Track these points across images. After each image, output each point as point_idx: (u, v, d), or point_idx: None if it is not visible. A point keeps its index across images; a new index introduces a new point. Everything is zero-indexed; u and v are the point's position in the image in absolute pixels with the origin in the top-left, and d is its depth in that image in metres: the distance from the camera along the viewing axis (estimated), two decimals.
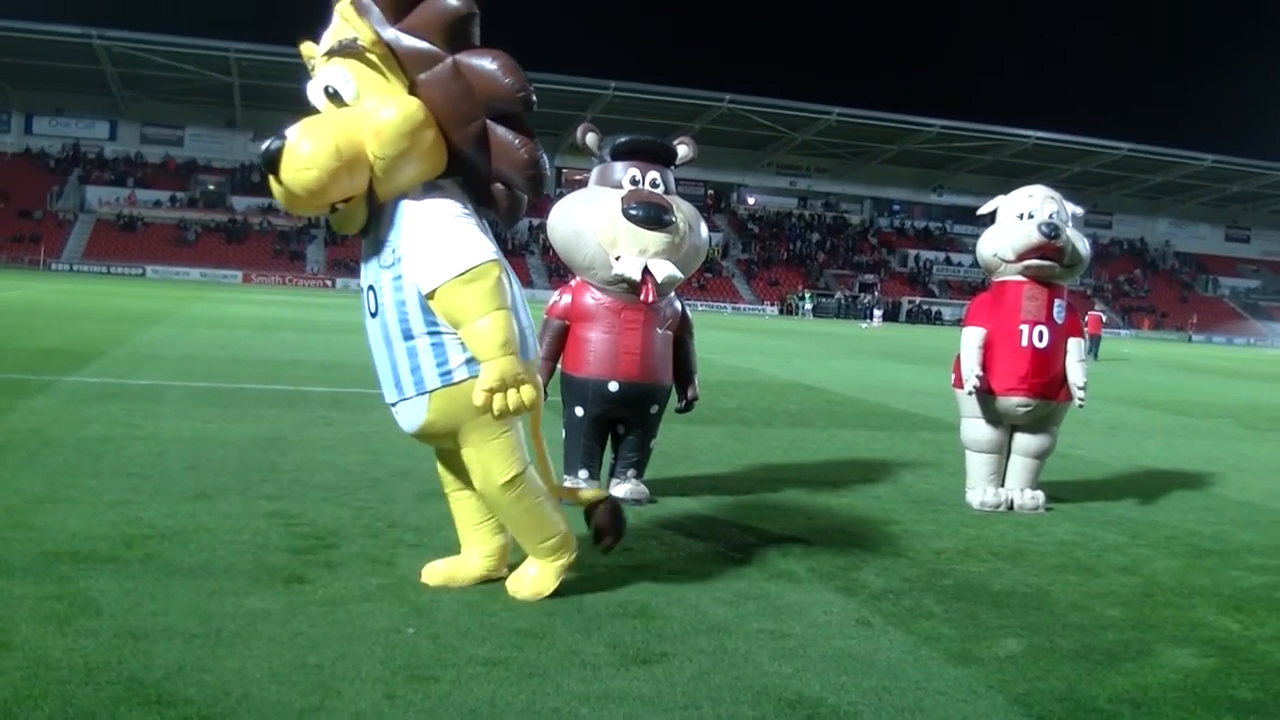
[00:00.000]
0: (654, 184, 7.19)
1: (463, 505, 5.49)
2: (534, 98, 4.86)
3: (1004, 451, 8.17)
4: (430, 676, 4.05)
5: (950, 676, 4.46)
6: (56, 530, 5.74)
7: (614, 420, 7.42)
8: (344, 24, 4.85)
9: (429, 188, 4.98)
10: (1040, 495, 8.18)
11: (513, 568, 5.37)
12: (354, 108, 4.83)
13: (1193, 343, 69.99)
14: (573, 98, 73.74)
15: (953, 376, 8.21)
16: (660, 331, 7.30)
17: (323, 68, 4.91)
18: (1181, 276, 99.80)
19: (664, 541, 6.42)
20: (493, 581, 5.33)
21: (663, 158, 7.41)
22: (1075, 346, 7.97)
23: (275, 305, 37.21)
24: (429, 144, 4.86)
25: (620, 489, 7.43)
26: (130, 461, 7.77)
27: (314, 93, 4.99)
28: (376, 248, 5.04)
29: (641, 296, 7.03)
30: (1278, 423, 17.36)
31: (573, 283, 7.38)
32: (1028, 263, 7.80)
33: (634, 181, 7.16)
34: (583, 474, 7.35)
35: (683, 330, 7.56)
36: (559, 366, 7.39)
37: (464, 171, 5.06)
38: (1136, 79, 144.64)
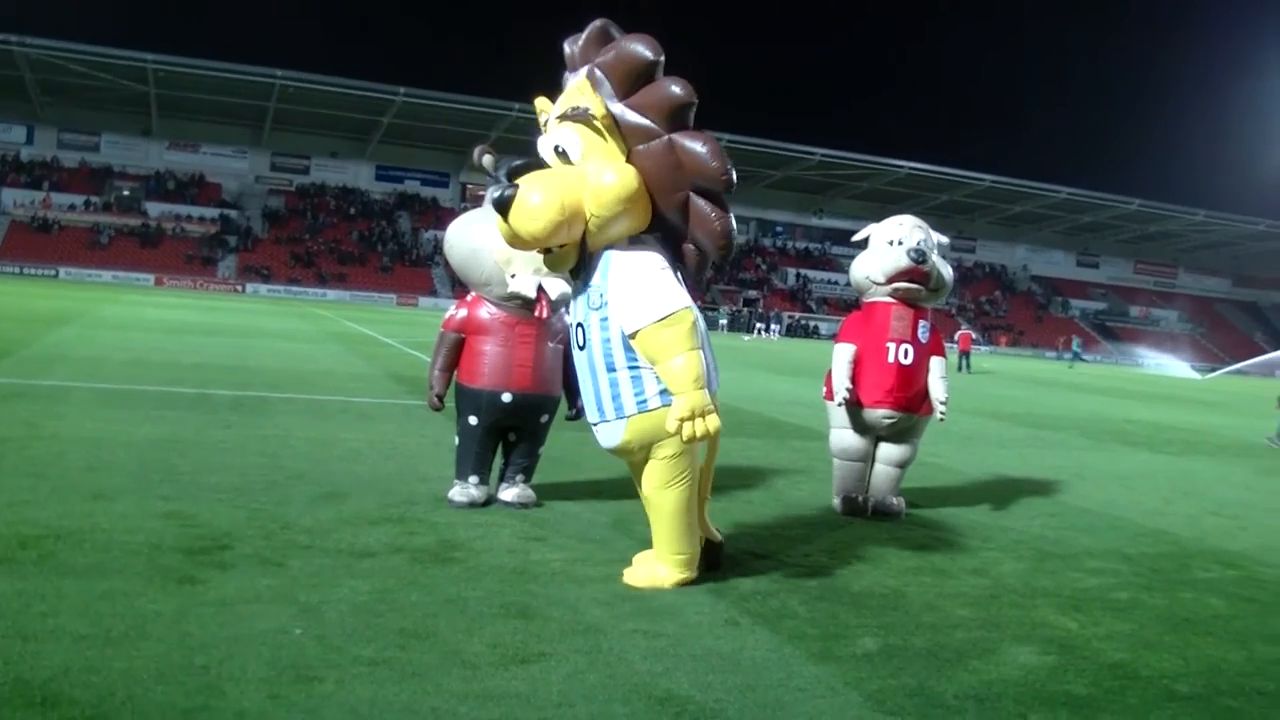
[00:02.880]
0: None
1: None
2: (735, 180, 5.38)
3: (869, 460, 8.25)
4: (315, 677, 3.95)
5: (810, 674, 4.47)
6: None
7: (506, 428, 7.35)
8: (577, 93, 5.40)
9: (633, 242, 5.50)
10: (901, 501, 8.28)
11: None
12: (578, 168, 5.36)
13: (1069, 359, 71.56)
14: (477, 117, 73.31)
15: (824, 389, 8.27)
16: (552, 345, 7.25)
17: (556, 128, 5.47)
18: (1037, 298, 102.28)
19: (548, 544, 6.37)
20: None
21: None
22: (937, 364, 8.09)
23: (184, 309, 36.25)
24: (640, 207, 5.37)
25: (508, 493, 7.37)
26: (30, 462, 7.49)
27: (544, 148, 5.58)
28: (585, 290, 5.56)
29: (536, 313, 7.00)
30: (1117, 434, 17.82)
31: (469, 297, 7.29)
32: (896, 285, 7.90)
33: None
34: (473, 479, 7.26)
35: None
36: (454, 377, 7.30)
37: (664, 231, 5.55)
38: (1000, 117, 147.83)
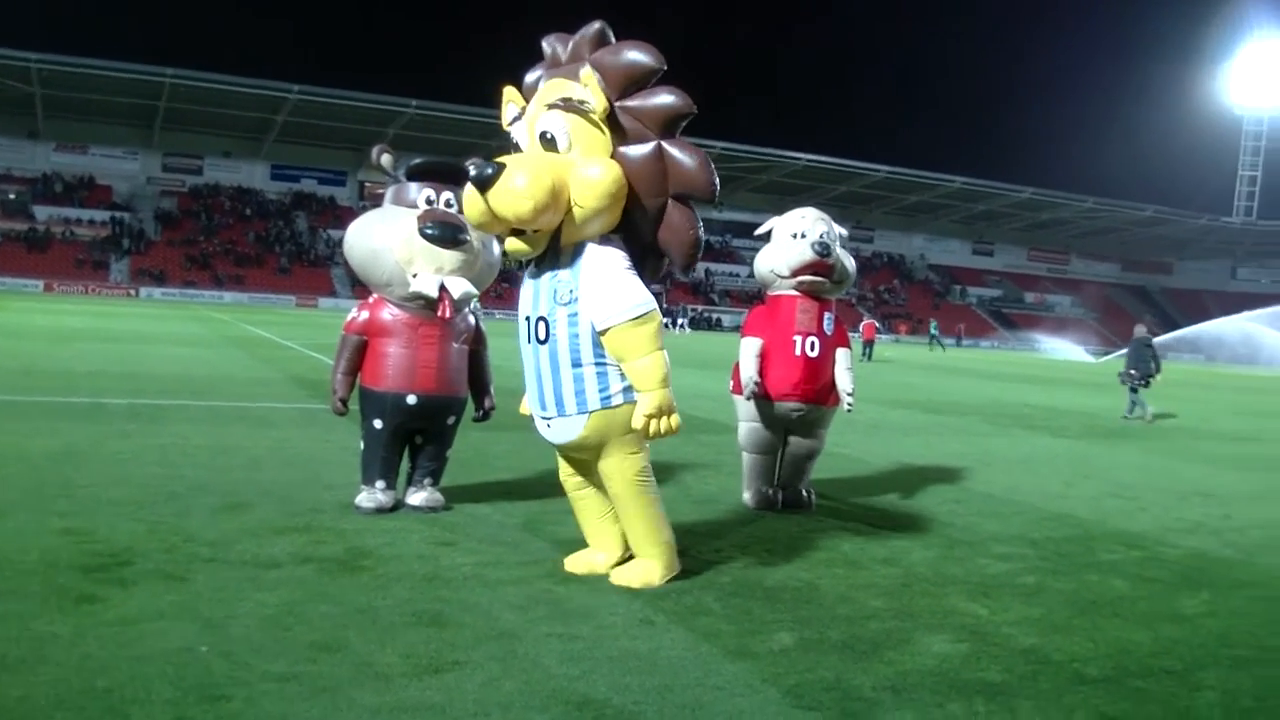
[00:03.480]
0: (448, 204, 7.04)
1: (585, 504, 6.13)
2: (718, 192, 5.63)
3: (778, 453, 8.28)
4: (222, 695, 3.82)
5: (728, 672, 4.45)
6: None
7: (412, 431, 7.23)
8: (572, 83, 5.41)
9: (603, 240, 5.55)
10: (811, 493, 8.33)
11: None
12: (563, 156, 5.40)
13: (961, 346, 72.97)
14: (374, 114, 72.41)
15: (731, 383, 8.27)
16: (456, 345, 7.16)
17: (543, 114, 5.45)
18: (935, 286, 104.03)
19: (458, 549, 6.27)
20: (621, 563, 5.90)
21: (456, 178, 7.25)
22: (843, 356, 8.13)
23: (76, 315, 35.09)
24: (619, 205, 5.45)
25: (416, 497, 7.25)
26: None
27: (520, 133, 5.61)
28: (553, 285, 5.57)
29: (439, 313, 6.89)
30: (1018, 419, 18.17)
31: (371, 299, 7.15)
32: (801, 278, 7.93)
33: (428, 201, 7.00)
34: (380, 484, 7.13)
35: (477, 343, 7.43)
36: (358, 380, 7.16)
37: (631, 233, 5.62)
38: (892, 109, 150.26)
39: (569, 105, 5.38)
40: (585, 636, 4.78)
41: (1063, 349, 66.47)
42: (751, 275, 7.65)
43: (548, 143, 5.46)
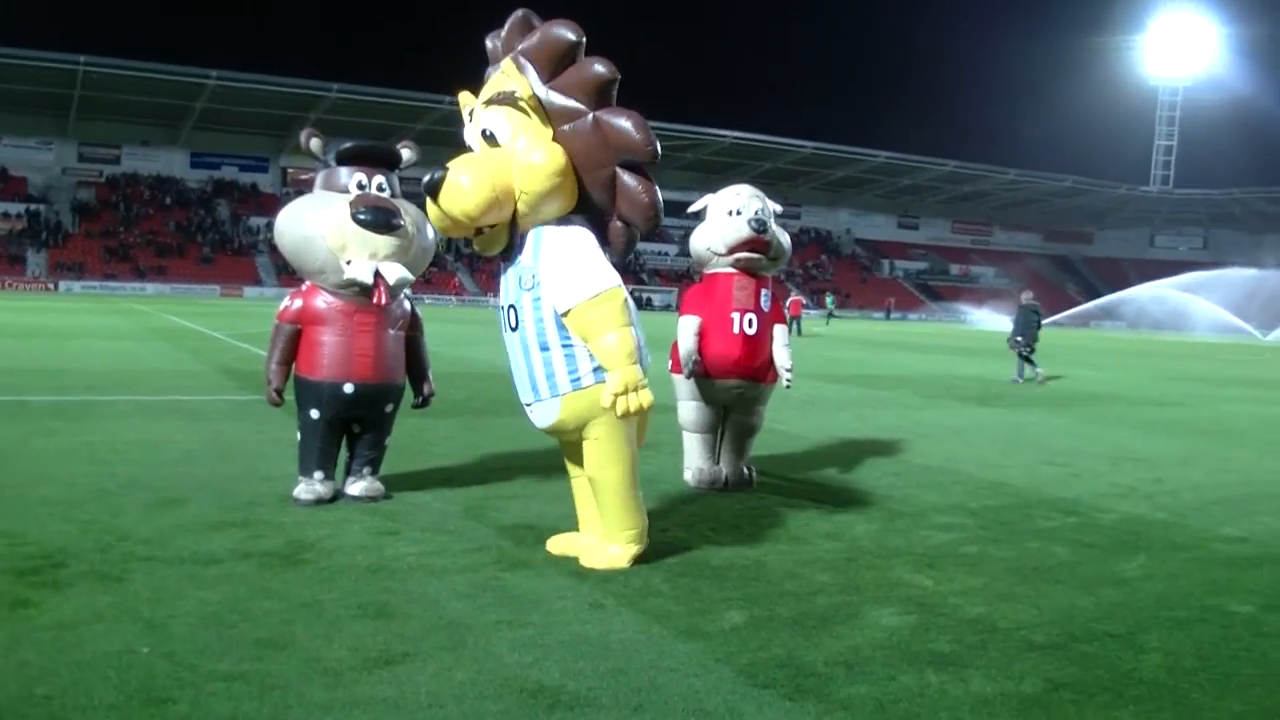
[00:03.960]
0: (380, 188, 6.93)
1: (578, 485, 6.15)
2: (660, 152, 5.53)
3: (718, 431, 8.28)
4: (167, 698, 3.72)
5: (680, 653, 4.43)
6: None
7: (349, 420, 7.12)
8: (504, 77, 5.57)
9: (562, 222, 5.64)
10: (752, 470, 8.34)
11: None
12: (505, 149, 5.50)
13: (890, 320, 73.78)
14: (296, 99, 71.54)
15: (669, 362, 8.24)
16: (392, 332, 7.05)
17: (482, 113, 5.59)
18: (862, 260, 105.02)
19: (401, 538, 6.18)
20: None
21: (387, 162, 7.16)
22: (780, 332, 8.14)
23: None
24: (568, 186, 5.53)
25: (355, 487, 7.15)
26: None
27: (471, 135, 5.72)
28: (518, 272, 5.68)
29: (374, 299, 6.78)
30: (949, 390, 18.39)
31: (304, 287, 7.02)
32: (738, 255, 7.91)
33: (360, 186, 6.88)
34: (318, 475, 7.02)
35: (414, 329, 7.34)
36: (293, 370, 7.03)
37: (590, 210, 5.70)
38: (816, 86, 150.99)
39: (501, 98, 5.51)
40: (535, 623, 4.73)
41: (988, 320, 67.46)
42: (681, 254, 7.64)
43: (489, 139, 5.57)
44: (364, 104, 71.69)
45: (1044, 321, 22.38)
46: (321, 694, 3.82)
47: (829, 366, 23.16)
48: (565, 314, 5.53)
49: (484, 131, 5.58)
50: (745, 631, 4.75)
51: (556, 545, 6.01)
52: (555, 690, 3.96)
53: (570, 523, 6.33)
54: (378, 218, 6.71)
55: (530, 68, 5.54)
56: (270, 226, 7.74)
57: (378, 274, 6.74)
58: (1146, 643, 4.82)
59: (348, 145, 7.08)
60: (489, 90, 5.65)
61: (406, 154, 7.29)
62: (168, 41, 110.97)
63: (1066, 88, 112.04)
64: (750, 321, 7.91)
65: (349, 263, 6.70)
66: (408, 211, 6.94)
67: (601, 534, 5.86)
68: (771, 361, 8.06)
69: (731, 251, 7.91)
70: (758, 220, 7.84)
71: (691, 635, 4.67)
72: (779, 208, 8.49)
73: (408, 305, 7.27)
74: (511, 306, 5.73)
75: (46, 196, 76.53)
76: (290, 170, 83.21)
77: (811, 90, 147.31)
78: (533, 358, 5.67)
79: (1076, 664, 4.50)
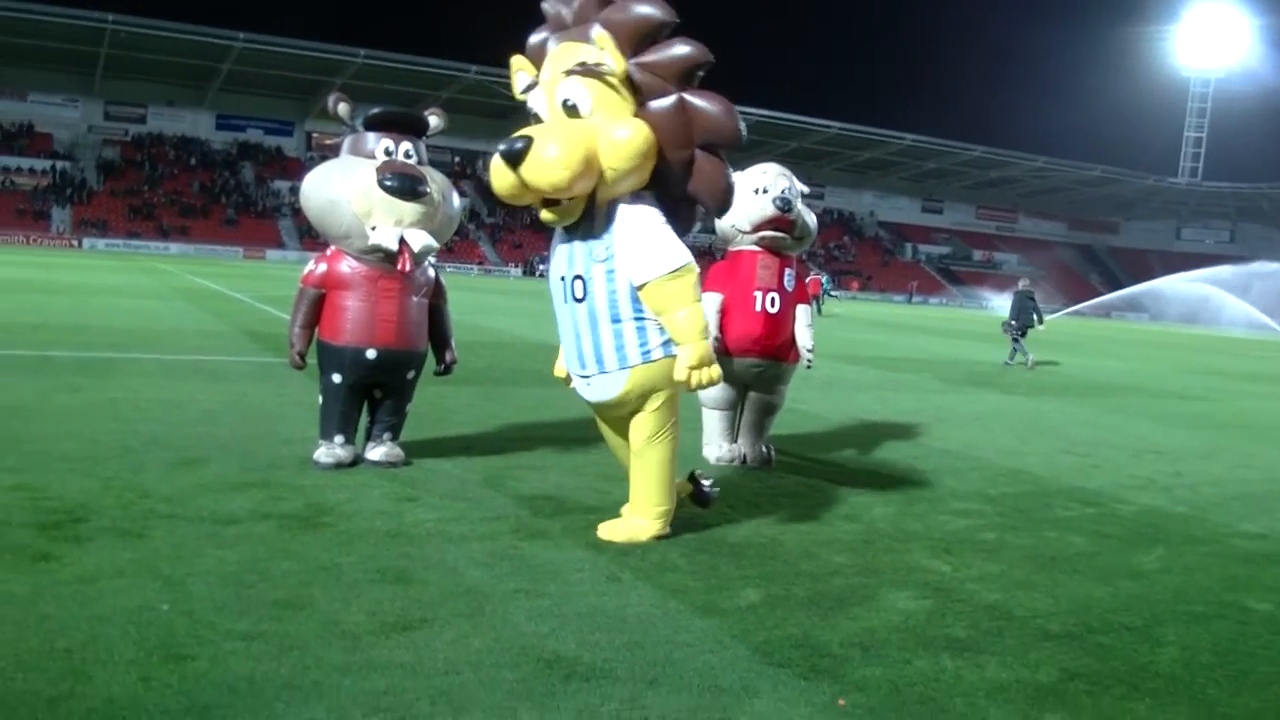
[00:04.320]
0: (407, 155, 6.92)
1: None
2: (745, 136, 5.54)
3: (738, 409, 8.28)
4: (187, 655, 3.74)
5: (696, 629, 4.44)
6: None
7: (371, 386, 7.13)
8: (587, 47, 5.42)
9: (635, 197, 5.57)
10: (771, 449, 8.34)
11: None
12: (588, 121, 5.38)
13: (911, 303, 73.54)
14: (321, 63, 71.42)
15: None
16: (416, 299, 7.06)
17: (563, 81, 5.44)
18: (884, 243, 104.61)
19: (420, 504, 6.20)
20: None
21: (415, 129, 7.14)
22: (803, 312, 8.12)
23: (17, 266, 34.30)
24: (649, 162, 5.47)
25: (375, 452, 7.17)
26: None
27: (539, 100, 5.58)
28: (589, 244, 5.61)
29: (399, 266, 6.77)
30: (970, 376, 18.34)
31: (329, 251, 7.02)
32: (762, 234, 7.89)
33: (387, 152, 6.86)
34: (339, 439, 7.04)
35: (437, 297, 7.34)
36: (316, 334, 7.04)
37: (662, 187, 5.63)
38: (844, 66, 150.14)
39: (587, 70, 5.37)
40: (552, 594, 4.74)
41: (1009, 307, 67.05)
42: (703, 231, 7.62)
43: (569, 110, 5.44)
44: (390, 70, 71.55)
45: (1069, 311, 22.76)
46: (339, 656, 3.84)
47: (850, 348, 23.12)
48: (641, 287, 5.50)
49: (565, 101, 5.44)
50: (761, 610, 4.75)
51: (610, 531, 5.85)
52: (571, 661, 3.97)
53: (588, 495, 6.34)
54: (404, 184, 6.70)
55: (617, 41, 5.43)
56: (294, 190, 7.78)
57: (403, 240, 6.73)
58: (1163, 636, 4.81)
59: (376, 110, 7.07)
60: (567, 57, 5.49)
61: (434, 121, 7.27)
62: (195, 2, 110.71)
63: (1098, 76, 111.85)
64: (773, 300, 7.90)
65: (374, 228, 6.70)
66: (434, 179, 6.93)
67: (629, 507, 5.88)
68: (793, 341, 8.05)
69: (756, 229, 7.89)
70: (783, 199, 7.81)
71: (708, 611, 4.67)
72: (806, 188, 8.45)
73: (432, 273, 7.27)
74: (579, 277, 5.65)
75: (72, 154, 76.72)
76: (315, 134, 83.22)
77: (839, 69, 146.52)
78: (601, 330, 5.62)
79: (1092, 655, 4.49)
